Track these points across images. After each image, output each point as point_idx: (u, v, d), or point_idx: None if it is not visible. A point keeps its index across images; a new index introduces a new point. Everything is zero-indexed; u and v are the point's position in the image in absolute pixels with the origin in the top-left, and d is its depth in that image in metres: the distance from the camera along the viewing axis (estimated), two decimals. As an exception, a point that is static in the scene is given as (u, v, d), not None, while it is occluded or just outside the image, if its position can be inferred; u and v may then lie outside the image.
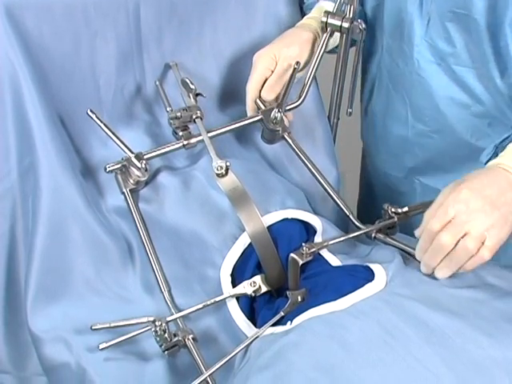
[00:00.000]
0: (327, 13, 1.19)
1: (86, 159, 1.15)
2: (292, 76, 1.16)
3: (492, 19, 1.05)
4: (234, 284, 1.05)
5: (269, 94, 1.19)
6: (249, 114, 1.22)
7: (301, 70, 1.19)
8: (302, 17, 1.30)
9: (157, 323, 0.96)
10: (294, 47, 1.19)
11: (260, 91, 1.19)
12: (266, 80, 1.18)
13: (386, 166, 1.38)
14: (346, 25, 1.19)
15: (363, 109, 1.41)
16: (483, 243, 0.90)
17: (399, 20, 1.17)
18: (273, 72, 1.18)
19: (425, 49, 1.16)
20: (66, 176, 1.08)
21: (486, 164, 1.02)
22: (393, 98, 1.27)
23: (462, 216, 0.90)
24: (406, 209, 1.07)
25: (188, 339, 0.99)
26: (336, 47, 1.28)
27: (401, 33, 1.18)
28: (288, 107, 1.20)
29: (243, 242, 1.06)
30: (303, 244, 1.03)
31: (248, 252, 1.06)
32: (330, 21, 1.19)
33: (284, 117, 1.20)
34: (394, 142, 1.32)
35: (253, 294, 1.04)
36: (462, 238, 0.90)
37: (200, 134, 1.15)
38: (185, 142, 1.15)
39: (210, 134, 1.16)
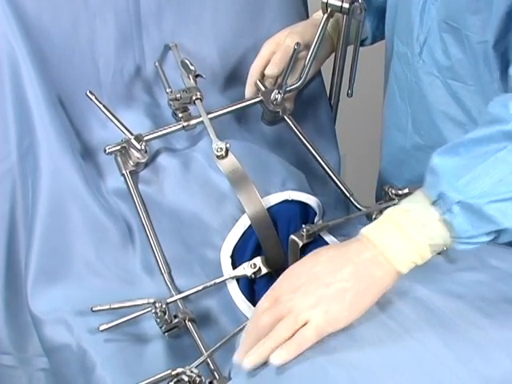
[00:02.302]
0: (328, -7, 1.19)
1: (85, 141, 1.15)
2: (292, 57, 1.16)
3: (486, 38, 0.98)
4: (234, 265, 1.05)
5: (271, 69, 1.18)
6: (246, 95, 1.21)
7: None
8: (305, 5, 1.31)
9: (157, 305, 0.96)
10: (301, 29, 1.20)
11: (263, 74, 1.20)
12: None
13: (387, 175, 1.31)
14: (346, 5, 1.18)
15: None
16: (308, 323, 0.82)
17: (406, 22, 1.11)
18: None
19: (424, 58, 1.09)
20: (66, 157, 1.07)
21: None
22: (397, 105, 1.20)
23: (285, 295, 0.84)
24: (406, 190, 1.06)
25: (188, 321, 0.99)
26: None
27: (406, 36, 1.12)
28: (288, 88, 1.20)
29: (243, 223, 1.06)
30: (303, 225, 1.03)
31: (248, 234, 1.06)
32: (331, 1, 1.18)
33: (285, 101, 1.19)
34: (394, 150, 1.25)
35: (253, 276, 1.04)
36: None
37: (200, 116, 1.14)
38: (185, 124, 1.15)
39: (210, 116, 1.15)
